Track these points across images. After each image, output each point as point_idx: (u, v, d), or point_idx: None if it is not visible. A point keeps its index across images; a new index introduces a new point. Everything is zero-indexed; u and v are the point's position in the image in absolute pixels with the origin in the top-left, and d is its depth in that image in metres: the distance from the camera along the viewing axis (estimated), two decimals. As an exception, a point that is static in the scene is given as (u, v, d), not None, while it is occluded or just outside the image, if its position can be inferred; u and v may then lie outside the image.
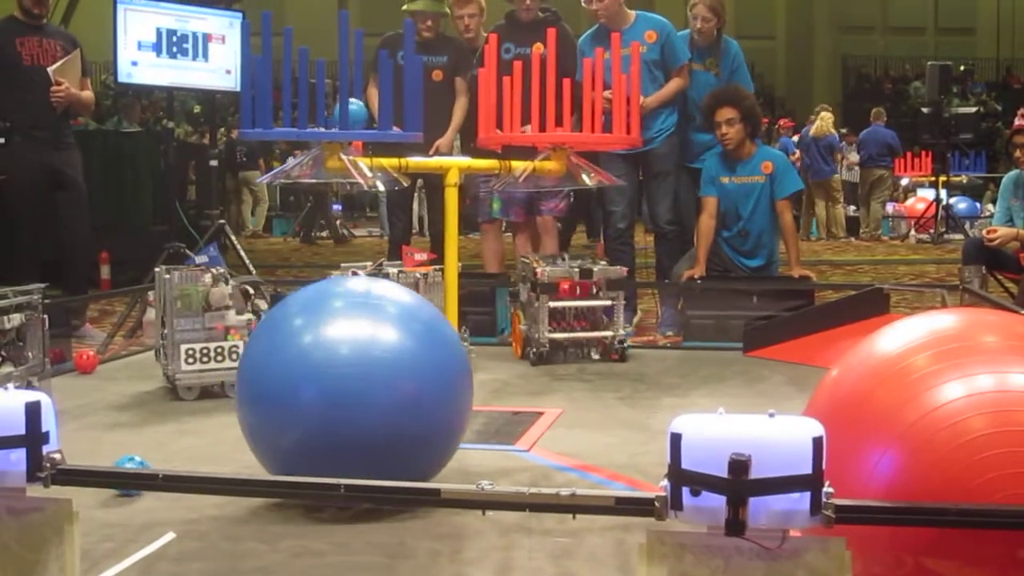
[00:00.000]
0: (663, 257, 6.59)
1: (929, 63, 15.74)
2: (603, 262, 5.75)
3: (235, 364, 4.43)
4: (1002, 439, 2.01)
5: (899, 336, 2.35)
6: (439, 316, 3.29)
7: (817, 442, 1.88)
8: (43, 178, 6.28)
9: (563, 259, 5.68)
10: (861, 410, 2.21)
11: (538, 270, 5.42)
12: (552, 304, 5.40)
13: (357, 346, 2.93)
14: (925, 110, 15.65)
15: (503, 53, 6.21)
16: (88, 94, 6.50)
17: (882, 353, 2.33)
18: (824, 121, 15.25)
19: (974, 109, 19.39)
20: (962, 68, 27.65)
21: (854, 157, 16.59)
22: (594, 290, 5.46)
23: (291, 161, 4.32)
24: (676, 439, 1.92)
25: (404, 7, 6.77)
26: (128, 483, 2.74)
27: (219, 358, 4.59)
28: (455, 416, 3.12)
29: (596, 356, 5.55)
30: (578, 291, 5.42)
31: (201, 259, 5.05)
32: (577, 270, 5.45)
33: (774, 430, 1.91)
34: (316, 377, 2.88)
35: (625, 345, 5.56)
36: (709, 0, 6.52)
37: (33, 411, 2.21)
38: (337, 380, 2.86)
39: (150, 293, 6.38)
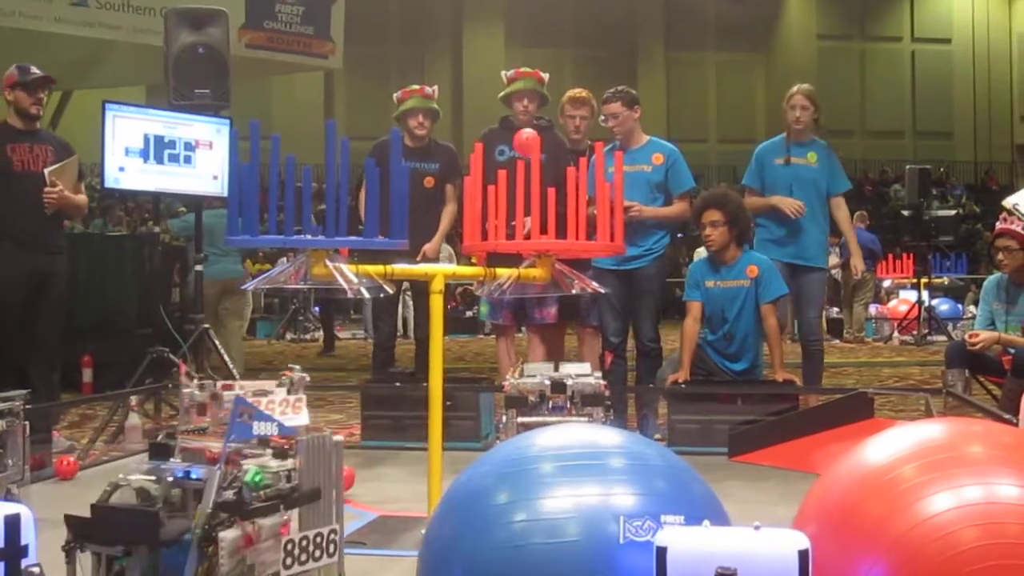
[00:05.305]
0: (643, 374, 6.53)
1: (908, 167, 15.91)
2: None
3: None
4: (992, 551, 2.00)
5: (886, 446, 2.35)
6: (683, 465, 2.59)
7: (803, 555, 1.87)
8: (29, 283, 6.21)
9: (551, 368, 5.47)
10: (849, 521, 2.20)
11: (506, 382, 5.06)
12: (521, 419, 4.68)
13: (588, 524, 2.21)
14: (906, 213, 15.82)
15: (497, 155, 6.27)
16: (82, 198, 6.48)
17: (870, 463, 2.32)
18: None
19: (953, 212, 19.62)
20: (941, 170, 28.08)
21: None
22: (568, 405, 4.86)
23: (278, 267, 4.30)
24: (661, 553, 1.91)
25: (397, 111, 6.83)
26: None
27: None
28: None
29: None
30: (550, 405, 4.80)
31: None
32: (549, 382, 4.88)
33: (760, 543, 1.90)
34: (538, 572, 2.18)
35: None
36: (806, 89, 6.64)
37: (12, 524, 2.19)
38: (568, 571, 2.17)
39: (132, 398, 6.35)
